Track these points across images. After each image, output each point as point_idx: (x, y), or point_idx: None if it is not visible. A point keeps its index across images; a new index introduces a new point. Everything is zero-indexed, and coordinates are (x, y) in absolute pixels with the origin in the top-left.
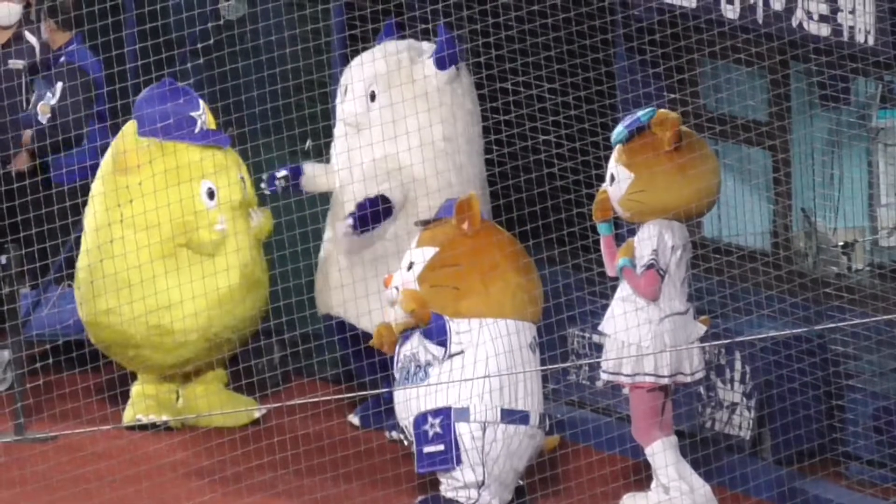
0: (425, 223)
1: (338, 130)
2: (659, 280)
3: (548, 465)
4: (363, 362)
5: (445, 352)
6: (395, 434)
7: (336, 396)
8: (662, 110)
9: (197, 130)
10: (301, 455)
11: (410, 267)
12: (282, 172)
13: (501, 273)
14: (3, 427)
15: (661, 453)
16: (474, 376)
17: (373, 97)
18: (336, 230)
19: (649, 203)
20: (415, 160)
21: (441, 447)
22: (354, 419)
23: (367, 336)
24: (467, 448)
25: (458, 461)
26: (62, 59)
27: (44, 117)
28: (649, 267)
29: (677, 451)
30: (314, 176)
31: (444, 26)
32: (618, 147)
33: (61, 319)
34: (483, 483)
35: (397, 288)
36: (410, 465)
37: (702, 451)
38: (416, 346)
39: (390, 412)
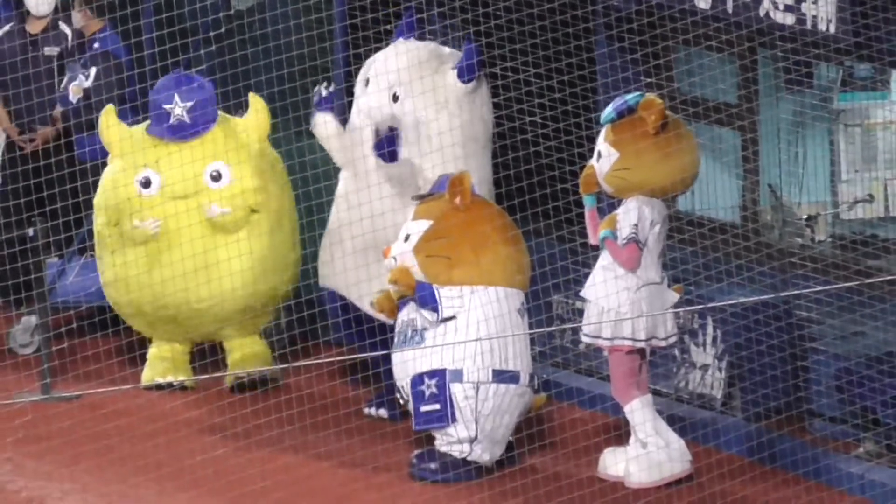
0: (421, 197)
1: (355, 120)
2: (639, 252)
3: (535, 422)
4: (365, 342)
5: (438, 316)
6: (372, 411)
7: (340, 359)
8: (650, 95)
9: (169, 124)
10: (306, 412)
11: (407, 239)
12: (324, 92)
13: (491, 244)
14: (31, 387)
15: (639, 411)
16: (467, 340)
17: (395, 98)
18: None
19: (632, 180)
20: (428, 164)
21: (437, 406)
22: (383, 413)
23: (368, 318)
24: (461, 406)
25: (453, 419)
26: (96, 44)
27: (75, 97)
28: (630, 240)
29: (653, 409)
30: (326, 127)
31: (470, 39)
32: (606, 126)
33: (84, 287)
34: (475, 438)
35: (395, 258)
36: (407, 422)
37: (676, 408)
38: (412, 313)
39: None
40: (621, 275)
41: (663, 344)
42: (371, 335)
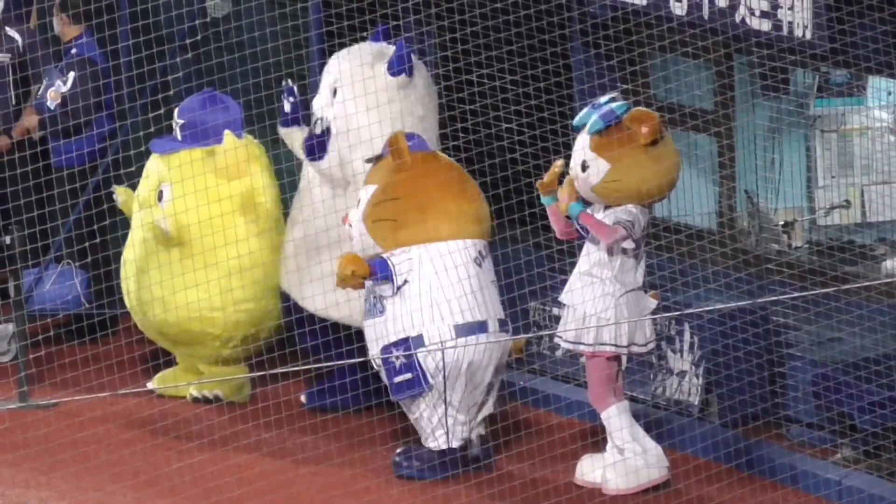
0: (374, 159)
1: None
2: (622, 237)
3: (511, 429)
4: (310, 343)
5: (393, 285)
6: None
7: (316, 366)
8: (640, 108)
9: (179, 138)
10: (284, 419)
11: (359, 204)
12: (289, 98)
13: (437, 200)
14: (8, 395)
15: (616, 417)
16: (421, 303)
17: (334, 93)
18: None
19: (624, 190)
20: (357, 157)
21: (409, 375)
22: (301, 397)
23: (312, 319)
24: (430, 370)
25: (427, 384)
26: (73, 50)
27: (53, 103)
28: (623, 225)
29: (630, 415)
30: (292, 143)
31: (405, 40)
32: (590, 136)
33: (61, 295)
34: (447, 403)
35: (351, 225)
36: (388, 426)
37: (654, 414)
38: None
39: (334, 391)
40: (600, 280)
41: (643, 350)
42: (314, 336)
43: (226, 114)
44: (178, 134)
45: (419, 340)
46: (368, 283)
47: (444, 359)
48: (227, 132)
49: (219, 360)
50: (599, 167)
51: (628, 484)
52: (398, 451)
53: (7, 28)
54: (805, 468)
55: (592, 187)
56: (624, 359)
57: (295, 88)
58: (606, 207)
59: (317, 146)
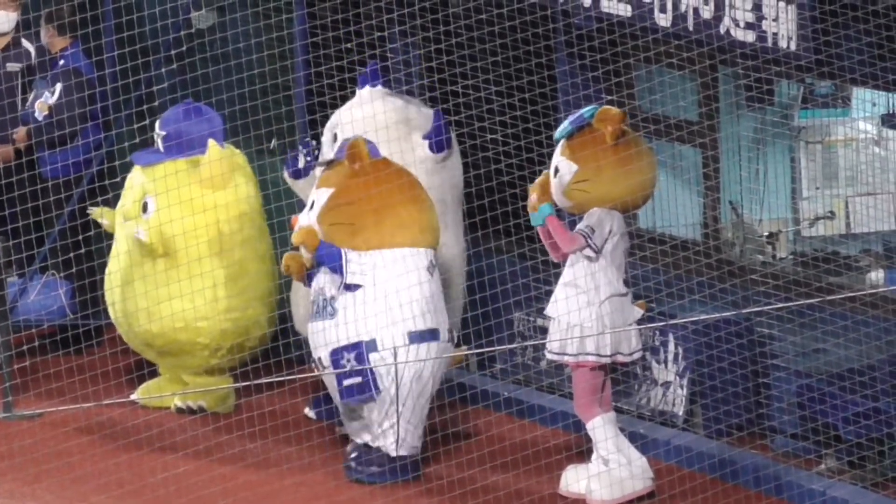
0: (326, 164)
1: (320, 171)
2: (582, 246)
3: (496, 440)
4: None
5: (341, 280)
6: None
7: (301, 376)
8: (606, 106)
9: (161, 149)
10: (268, 430)
11: (312, 206)
12: (306, 155)
13: (393, 206)
14: None
15: (601, 428)
16: (376, 308)
17: (335, 138)
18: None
19: (593, 193)
20: None
21: (359, 379)
22: (310, 413)
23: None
24: (381, 374)
25: (377, 389)
26: (61, 62)
27: (41, 114)
28: (582, 234)
29: (616, 426)
30: (295, 187)
31: (440, 112)
32: (562, 142)
33: (45, 306)
34: (399, 412)
35: (300, 227)
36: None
37: (638, 425)
38: (322, 281)
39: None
40: (584, 291)
41: (628, 360)
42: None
43: (207, 124)
44: (160, 145)
45: (372, 345)
46: (317, 283)
47: (395, 364)
48: (210, 142)
49: (206, 371)
50: (569, 169)
51: (613, 495)
52: (351, 455)
53: (24, 41)
54: (789, 479)
55: (563, 191)
56: (608, 369)
57: (313, 144)
58: (578, 218)
59: (303, 172)
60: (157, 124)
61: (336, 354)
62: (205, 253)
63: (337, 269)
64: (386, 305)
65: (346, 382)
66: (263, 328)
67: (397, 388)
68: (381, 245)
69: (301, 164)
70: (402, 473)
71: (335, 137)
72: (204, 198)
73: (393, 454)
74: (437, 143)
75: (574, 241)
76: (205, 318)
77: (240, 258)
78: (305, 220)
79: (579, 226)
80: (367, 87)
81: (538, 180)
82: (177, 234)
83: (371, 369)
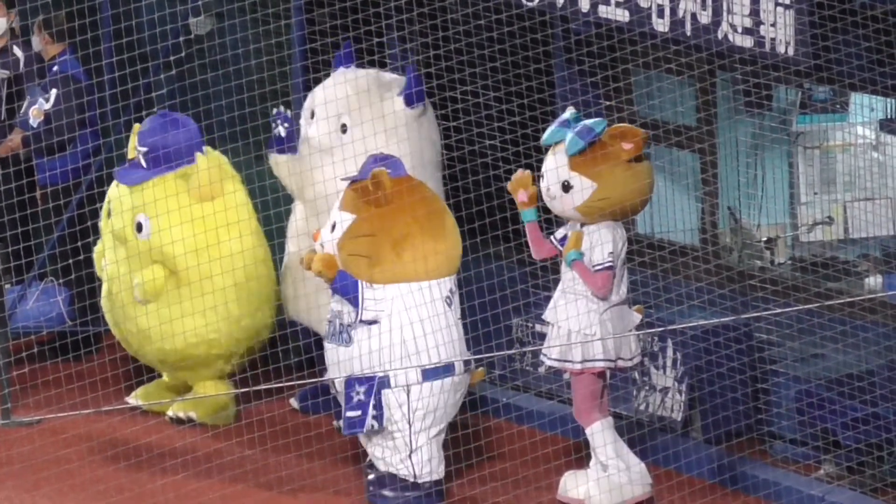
0: (353, 180)
1: (303, 150)
2: (612, 280)
3: (495, 445)
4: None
5: (357, 313)
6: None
7: (299, 382)
8: (620, 124)
9: (144, 165)
10: (267, 436)
11: (334, 228)
12: (284, 124)
13: (412, 239)
14: None
15: (600, 433)
16: (391, 341)
17: (343, 129)
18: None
19: (608, 208)
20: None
21: (358, 413)
22: (295, 404)
23: (306, 331)
24: (392, 411)
25: (381, 425)
26: (55, 68)
27: (36, 121)
28: (607, 268)
29: (614, 432)
30: (279, 168)
31: (412, 65)
32: (572, 157)
33: (44, 312)
34: (412, 448)
35: (322, 245)
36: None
37: (637, 431)
38: (340, 305)
39: (328, 402)
40: (584, 297)
41: (628, 365)
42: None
43: (186, 134)
44: (142, 161)
45: (385, 380)
46: (336, 304)
47: (409, 401)
48: (198, 154)
49: (217, 377)
50: (584, 186)
51: (612, 500)
52: (370, 476)
53: (15, 47)
54: (788, 484)
55: (576, 207)
56: (608, 375)
57: (289, 114)
58: (582, 225)
59: (287, 147)
60: (135, 140)
61: (349, 387)
62: (215, 269)
63: (353, 301)
64: (401, 339)
65: (349, 414)
66: (271, 329)
67: (409, 426)
68: (398, 279)
69: (283, 134)
70: (427, 501)
71: (312, 114)
72: (203, 211)
73: (412, 479)
74: (410, 95)
75: (606, 280)
76: (217, 331)
77: (243, 265)
78: (328, 236)
79: (598, 258)
80: (342, 69)
81: (517, 178)
82: (178, 253)
83: (381, 405)
